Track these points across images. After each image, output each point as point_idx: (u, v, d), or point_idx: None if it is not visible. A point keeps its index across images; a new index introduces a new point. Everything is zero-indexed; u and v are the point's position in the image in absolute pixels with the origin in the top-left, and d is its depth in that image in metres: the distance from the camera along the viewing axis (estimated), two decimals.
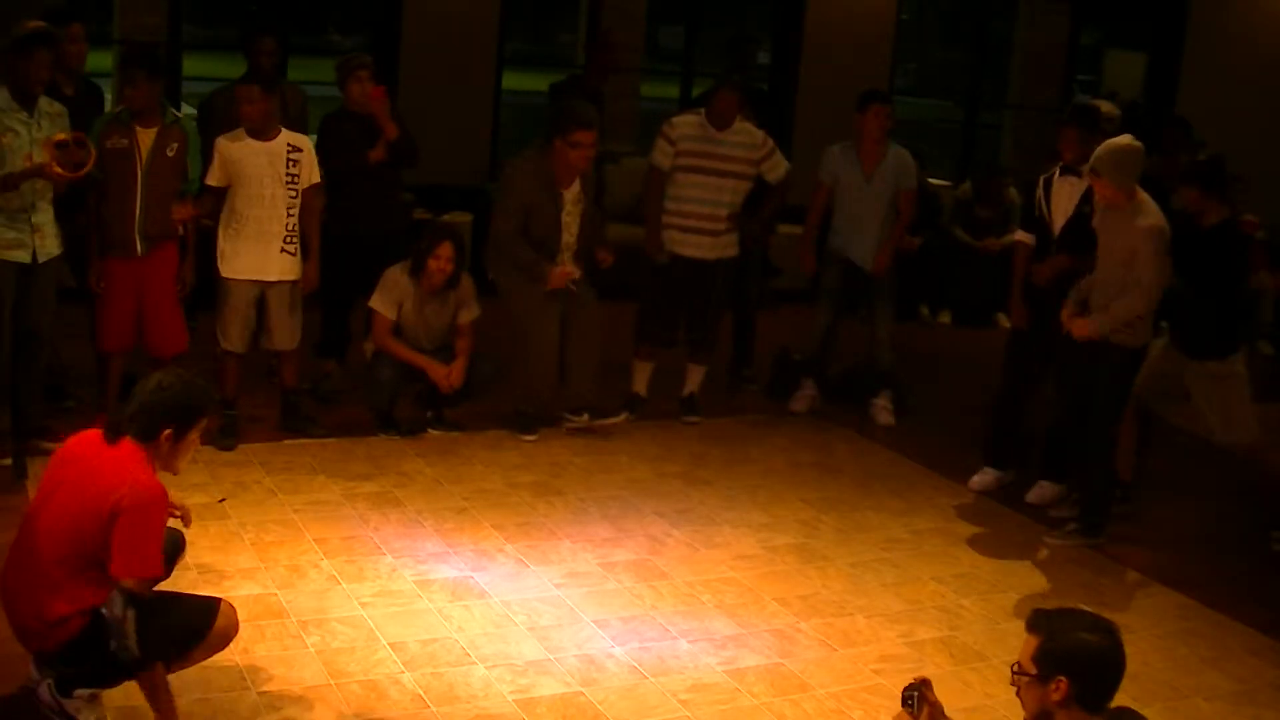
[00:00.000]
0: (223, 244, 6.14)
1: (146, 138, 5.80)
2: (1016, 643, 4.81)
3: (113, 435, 3.73)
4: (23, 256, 5.49)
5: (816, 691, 4.42)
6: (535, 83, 11.49)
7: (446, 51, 9.39)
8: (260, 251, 6.12)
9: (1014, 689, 3.05)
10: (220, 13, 20.39)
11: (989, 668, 4.67)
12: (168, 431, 3.72)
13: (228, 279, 6.14)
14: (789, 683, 4.47)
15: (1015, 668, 3.01)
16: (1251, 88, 11.01)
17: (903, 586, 5.33)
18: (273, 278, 6.16)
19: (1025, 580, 5.50)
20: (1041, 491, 6.38)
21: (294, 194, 6.14)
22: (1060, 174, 6.24)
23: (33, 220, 5.50)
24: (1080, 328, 5.64)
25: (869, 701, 4.39)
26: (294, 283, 6.23)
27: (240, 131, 6.10)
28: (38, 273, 5.57)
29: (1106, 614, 5.07)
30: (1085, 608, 3.20)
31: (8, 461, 5.58)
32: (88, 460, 3.72)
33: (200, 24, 17.39)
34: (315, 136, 6.79)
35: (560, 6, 12.81)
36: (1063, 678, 2.91)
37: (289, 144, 6.16)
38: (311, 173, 6.21)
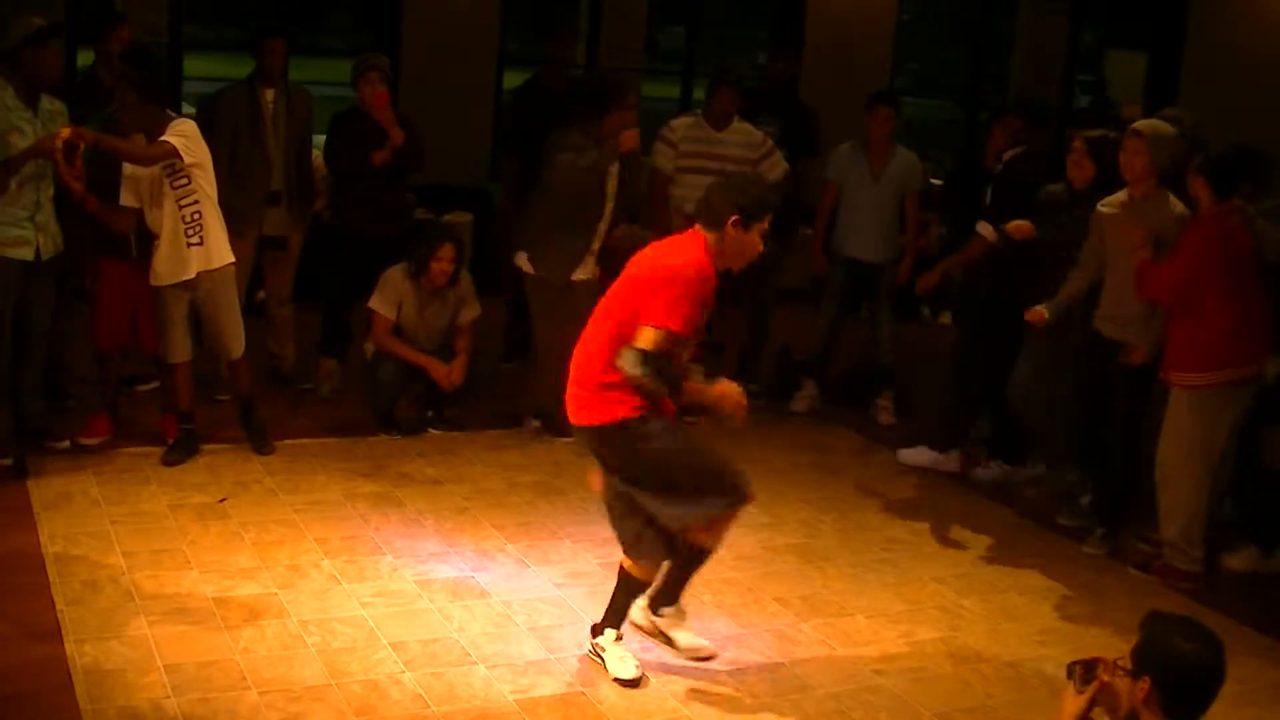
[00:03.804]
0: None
1: (142, 139, 5.80)
2: (1017, 643, 4.86)
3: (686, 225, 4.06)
4: (26, 254, 5.51)
5: (816, 691, 4.43)
6: None
7: (446, 51, 9.39)
8: (173, 255, 5.77)
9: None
10: (222, 13, 20.38)
11: (989, 668, 4.67)
12: (734, 217, 3.85)
13: (155, 288, 5.84)
14: (789, 683, 4.47)
15: (1118, 659, 3.04)
16: (1251, 88, 10.99)
17: (903, 586, 5.33)
18: (193, 273, 5.79)
19: (1025, 580, 5.50)
20: (992, 471, 6.66)
21: (183, 181, 5.70)
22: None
23: (36, 219, 5.51)
24: (1138, 357, 5.59)
25: (869, 702, 4.39)
26: (214, 272, 5.85)
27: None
28: (40, 270, 5.59)
29: (1107, 613, 5.15)
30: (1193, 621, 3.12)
31: (8, 461, 5.59)
32: (653, 247, 4.15)
33: (202, 24, 17.37)
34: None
35: (560, 6, 12.77)
36: (1147, 678, 2.95)
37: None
38: (188, 152, 5.64)
